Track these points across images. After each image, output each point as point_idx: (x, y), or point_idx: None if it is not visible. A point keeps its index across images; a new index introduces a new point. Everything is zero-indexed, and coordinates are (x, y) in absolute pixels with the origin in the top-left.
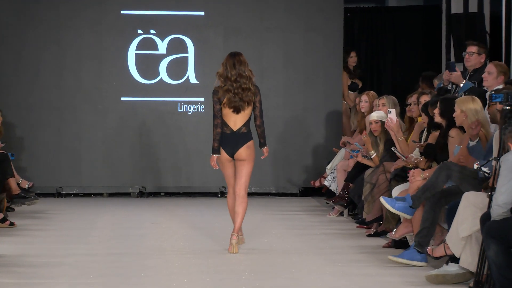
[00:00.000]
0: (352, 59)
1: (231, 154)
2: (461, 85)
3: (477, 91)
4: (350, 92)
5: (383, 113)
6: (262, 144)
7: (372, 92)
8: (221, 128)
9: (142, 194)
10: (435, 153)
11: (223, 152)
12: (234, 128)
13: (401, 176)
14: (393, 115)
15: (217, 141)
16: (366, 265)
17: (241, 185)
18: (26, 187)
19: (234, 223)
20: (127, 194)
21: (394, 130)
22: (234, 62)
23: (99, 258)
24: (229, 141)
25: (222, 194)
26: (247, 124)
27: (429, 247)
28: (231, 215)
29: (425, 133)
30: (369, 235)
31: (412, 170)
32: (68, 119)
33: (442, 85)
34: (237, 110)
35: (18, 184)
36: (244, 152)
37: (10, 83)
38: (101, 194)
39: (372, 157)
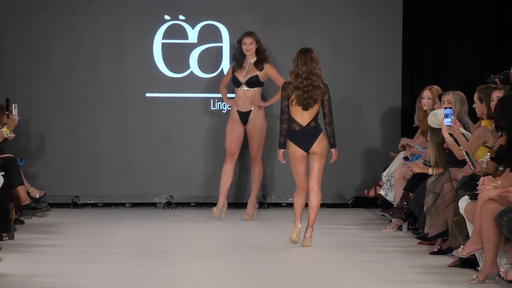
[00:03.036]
0: (246, 47)
1: (307, 149)
2: None
3: None
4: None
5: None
6: (332, 144)
7: (435, 86)
8: (288, 124)
9: (169, 204)
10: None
11: (297, 148)
12: (303, 124)
13: (470, 185)
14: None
15: (284, 136)
16: (428, 287)
17: (315, 180)
18: (37, 197)
19: (308, 218)
20: (152, 205)
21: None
22: (305, 59)
23: (118, 279)
24: (301, 137)
25: (261, 205)
26: (315, 118)
27: (502, 270)
28: (295, 211)
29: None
30: (432, 253)
31: (482, 177)
32: (84, 117)
33: None
34: (305, 108)
35: (28, 193)
36: (318, 146)
37: (16, 76)
38: (122, 205)
39: (432, 166)
